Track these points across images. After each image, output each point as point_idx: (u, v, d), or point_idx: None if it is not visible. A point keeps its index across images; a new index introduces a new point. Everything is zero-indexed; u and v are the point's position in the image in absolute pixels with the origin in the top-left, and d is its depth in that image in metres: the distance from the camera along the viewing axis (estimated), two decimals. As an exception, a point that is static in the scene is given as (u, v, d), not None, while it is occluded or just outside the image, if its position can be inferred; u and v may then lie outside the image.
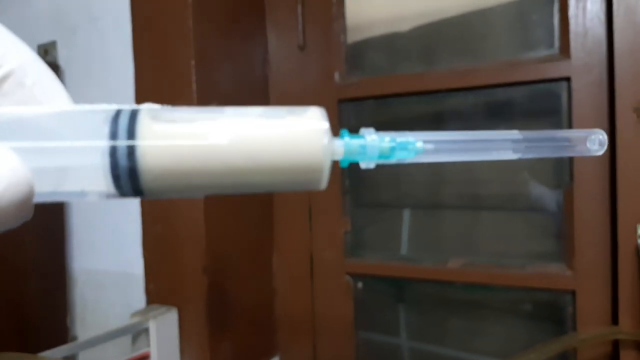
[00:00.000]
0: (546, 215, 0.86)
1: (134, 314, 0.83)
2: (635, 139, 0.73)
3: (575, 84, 0.79)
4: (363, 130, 0.23)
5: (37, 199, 0.18)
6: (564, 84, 0.82)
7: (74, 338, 1.00)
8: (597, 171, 0.78)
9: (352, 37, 0.99)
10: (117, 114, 0.19)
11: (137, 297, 0.91)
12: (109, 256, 0.97)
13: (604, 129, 0.75)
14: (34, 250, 0.96)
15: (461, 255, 0.91)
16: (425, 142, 0.23)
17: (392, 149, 0.23)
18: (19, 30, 0.24)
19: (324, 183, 0.21)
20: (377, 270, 0.98)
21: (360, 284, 1.00)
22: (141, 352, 0.80)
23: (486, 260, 0.90)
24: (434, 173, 0.96)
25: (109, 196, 0.20)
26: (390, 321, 1.00)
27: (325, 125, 0.21)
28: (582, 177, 0.79)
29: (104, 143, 0.19)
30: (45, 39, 0.99)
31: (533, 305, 0.88)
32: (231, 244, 0.92)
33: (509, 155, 0.24)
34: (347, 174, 0.99)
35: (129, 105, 0.20)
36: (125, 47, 0.91)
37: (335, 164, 0.22)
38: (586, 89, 0.78)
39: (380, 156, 0.23)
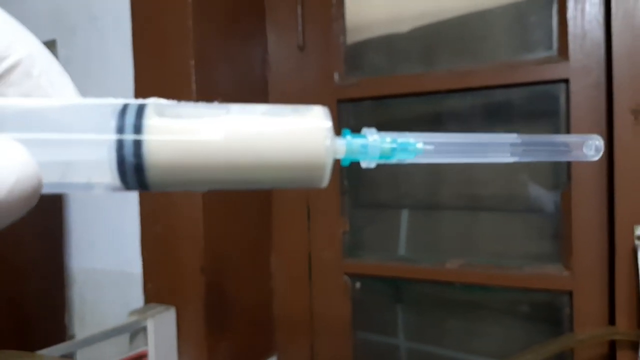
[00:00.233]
0: (544, 216, 0.87)
1: (132, 313, 0.83)
2: (633, 140, 0.73)
3: (573, 86, 0.79)
4: (365, 130, 0.24)
5: (44, 190, 0.18)
6: (562, 86, 0.82)
7: (72, 337, 1.00)
8: (594, 172, 0.79)
9: (352, 37, 0.99)
10: (124, 108, 0.20)
11: (136, 296, 0.91)
12: (107, 255, 0.97)
13: (601, 131, 0.77)
14: (33, 249, 0.96)
15: (459, 255, 0.91)
16: (425, 143, 0.24)
17: (393, 150, 0.23)
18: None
19: (325, 181, 0.22)
20: (375, 271, 0.98)
21: (358, 284, 1.00)
22: (139, 351, 0.80)
23: (484, 261, 0.90)
24: (433, 173, 0.96)
25: (114, 189, 0.20)
26: (388, 321, 1.00)
27: (329, 124, 0.21)
28: (580, 179, 0.80)
29: (111, 137, 0.19)
30: (44, 38, 0.99)
31: (531, 306, 0.89)
32: (230, 243, 0.92)
33: (507, 158, 0.25)
34: (345, 174, 1.00)
35: (135, 100, 0.20)
36: (124, 46, 0.91)
37: (336, 163, 0.22)
38: (584, 91, 0.79)
39: (381, 156, 0.23)
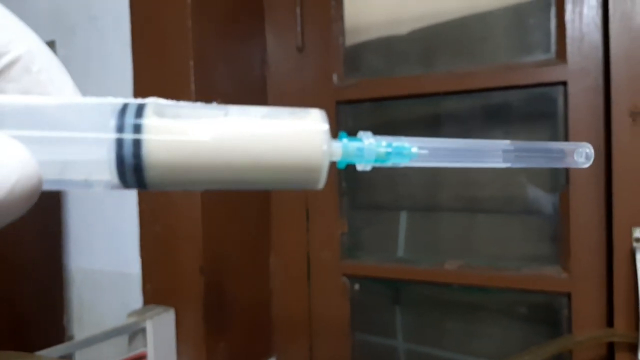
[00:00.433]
0: (542, 218, 0.87)
1: (131, 314, 0.83)
2: (631, 143, 0.73)
3: (571, 88, 0.79)
4: (361, 134, 0.24)
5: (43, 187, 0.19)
6: (560, 88, 0.82)
7: (71, 338, 1.00)
8: (593, 175, 0.79)
9: (351, 39, 0.99)
10: (124, 107, 0.20)
11: (134, 297, 0.91)
12: (106, 256, 0.97)
13: (599, 133, 0.77)
14: (31, 249, 0.96)
15: (458, 257, 0.92)
16: (420, 147, 0.24)
17: (388, 153, 0.24)
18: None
19: (322, 183, 0.22)
20: (373, 272, 0.98)
21: (357, 286, 1.00)
22: (138, 352, 0.80)
23: (483, 263, 0.90)
24: (431, 175, 0.96)
25: (113, 187, 0.20)
26: (386, 323, 1.00)
27: (326, 126, 0.22)
28: (578, 181, 0.80)
29: (111, 136, 0.19)
30: (44, 38, 0.98)
31: (529, 308, 0.89)
32: (229, 244, 0.92)
33: (499, 163, 0.25)
34: (344, 176, 1.00)
35: (135, 99, 0.21)
36: (124, 47, 0.91)
37: (332, 165, 0.23)
38: (582, 93, 0.79)
39: (377, 159, 0.24)
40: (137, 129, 0.19)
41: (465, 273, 0.89)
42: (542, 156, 0.26)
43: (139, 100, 0.20)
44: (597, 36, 0.78)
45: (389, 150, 0.24)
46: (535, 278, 0.84)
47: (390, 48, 0.98)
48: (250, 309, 0.98)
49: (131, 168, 0.19)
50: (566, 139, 0.81)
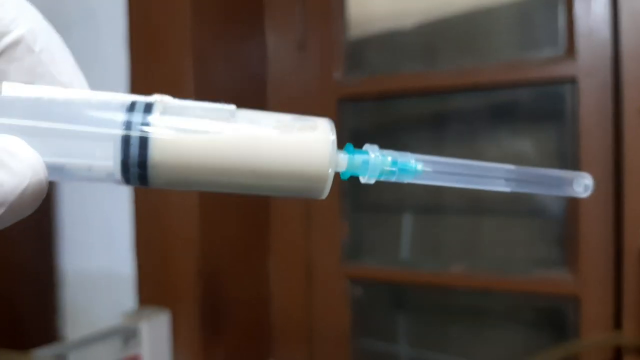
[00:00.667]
0: (549, 219, 0.85)
1: (126, 316, 0.82)
2: (642, 141, 0.72)
3: (580, 85, 0.78)
4: (367, 147, 0.24)
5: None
6: (569, 85, 0.80)
7: (64, 338, 0.98)
8: (602, 175, 0.77)
9: (353, 35, 0.97)
10: (132, 104, 0.20)
11: (129, 298, 0.90)
12: (100, 256, 0.96)
13: (609, 131, 0.75)
14: (24, 249, 0.95)
15: (463, 260, 0.90)
16: (425, 165, 0.24)
17: (393, 169, 0.24)
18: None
19: (325, 193, 0.22)
20: (376, 275, 0.96)
21: (358, 289, 0.98)
22: (132, 354, 0.79)
23: (488, 266, 0.88)
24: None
25: (113, 181, 0.21)
26: (389, 327, 0.99)
27: (333, 137, 0.22)
28: (587, 181, 0.78)
29: (118, 131, 0.20)
30: (41, 34, 0.97)
31: (536, 311, 0.87)
32: (226, 246, 0.90)
33: (502, 187, 0.26)
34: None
35: (143, 97, 0.21)
36: (121, 45, 0.89)
37: (335, 175, 0.23)
38: (592, 89, 0.77)
39: (381, 174, 0.24)
40: (145, 126, 0.20)
41: (471, 276, 0.87)
42: (542, 183, 0.27)
43: (147, 98, 0.21)
44: (606, 32, 0.76)
45: (394, 167, 0.24)
46: (542, 281, 0.82)
47: (394, 44, 0.96)
48: (248, 312, 0.96)
49: (135, 165, 0.20)
50: (575, 137, 0.79)
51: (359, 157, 0.23)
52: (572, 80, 0.79)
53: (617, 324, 0.75)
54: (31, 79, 0.21)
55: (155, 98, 0.21)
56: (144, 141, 0.20)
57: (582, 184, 0.27)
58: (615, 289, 0.76)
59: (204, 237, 0.85)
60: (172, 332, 0.85)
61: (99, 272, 0.96)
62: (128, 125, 0.20)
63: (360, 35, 0.98)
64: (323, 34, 0.96)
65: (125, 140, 0.20)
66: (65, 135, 0.19)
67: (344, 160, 0.23)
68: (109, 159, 0.20)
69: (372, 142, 0.25)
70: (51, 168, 0.19)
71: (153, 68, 0.86)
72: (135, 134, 0.20)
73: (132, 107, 0.20)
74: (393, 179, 0.24)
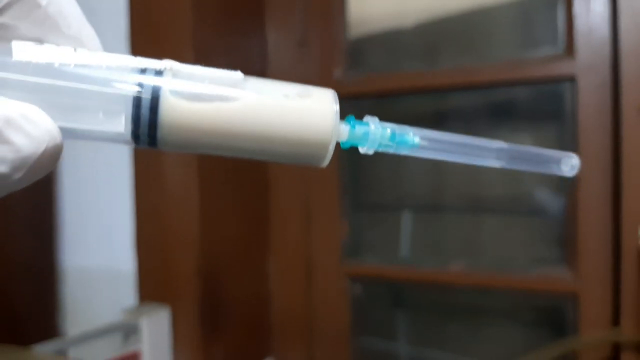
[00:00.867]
0: (549, 217, 0.85)
1: (126, 312, 0.82)
2: (641, 139, 0.72)
3: (580, 83, 0.78)
4: (368, 118, 0.25)
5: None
6: (568, 83, 0.81)
7: (64, 335, 0.98)
8: (601, 173, 0.77)
9: (353, 33, 0.98)
10: (144, 69, 0.21)
11: (129, 295, 0.90)
12: (100, 253, 0.95)
13: (608, 129, 0.75)
14: (25, 246, 0.95)
15: (462, 258, 0.90)
16: (421, 138, 0.25)
17: (392, 140, 0.25)
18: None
19: (327, 161, 0.23)
20: (376, 273, 0.96)
21: (358, 288, 0.98)
22: (132, 350, 0.79)
23: (488, 264, 0.88)
24: (435, 175, 0.95)
25: (123, 142, 0.21)
26: (388, 326, 0.99)
27: (336, 107, 0.23)
28: (586, 179, 0.78)
29: (130, 90, 0.20)
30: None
31: (536, 309, 0.87)
32: (226, 243, 0.90)
33: (493, 163, 0.27)
34: (346, 175, 0.98)
35: (154, 60, 0.21)
36: (121, 40, 0.89)
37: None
38: (591, 88, 0.77)
39: (380, 145, 0.25)
40: (156, 87, 0.20)
41: (470, 274, 0.87)
42: (532, 160, 0.28)
43: (158, 63, 0.21)
44: (605, 30, 0.76)
45: (393, 137, 0.25)
46: (541, 279, 0.82)
47: (394, 42, 0.96)
48: (248, 310, 0.96)
49: (146, 125, 0.20)
50: (574, 136, 0.79)
51: (360, 128, 0.24)
52: (571, 79, 0.79)
53: (616, 321, 0.76)
54: (39, 33, 0.21)
55: (165, 63, 0.21)
56: (155, 102, 0.20)
57: (569, 164, 0.28)
58: (613, 287, 0.76)
59: (204, 235, 0.85)
60: (172, 328, 0.85)
61: (99, 269, 0.96)
62: (140, 86, 0.20)
63: (361, 34, 0.98)
64: (323, 32, 0.96)
65: (137, 101, 0.20)
66: (77, 95, 0.20)
67: (345, 131, 0.24)
68: (120, 119, 0.20)
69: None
70: (64, 129, 0.20)
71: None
72: (146, 95, 0.20)
73: (143, 71, 0.21)
74: (391, 150, 0.25)
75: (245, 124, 0.21)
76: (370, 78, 0.95)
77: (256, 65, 0.98)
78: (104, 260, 0.95)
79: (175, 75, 0.21)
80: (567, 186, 0.82)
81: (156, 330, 0.81)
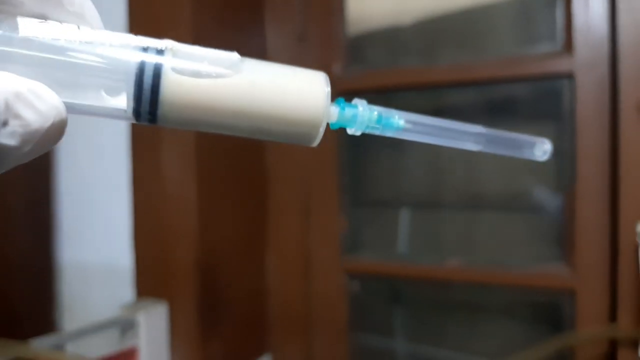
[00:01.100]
0: (546, 214, 0.85)
1: (124, 307, 0.81)
2: (638, 137, 0.72)
3: (578, 80, 0.78)
4: (356, 100, 0.26)
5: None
6: (566, 80, 0.81)
7: (62, 331, 0.98)
8: (599, 170, 0.77)
9: (353, 29, 0.97)
10: (145, 47, 0.22)
11: (127, 290, 0.90)
12: (98, 248, 0.95)
13: (606, 126, 0.75)
14: (22, 241, 0.94)
15: (460, 254, 0.90)
16: (406, 121, 0.27)
17: (379, 122, 0.26)
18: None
19: (317, 140, 0.24)
20: (374, 269, 0.96)
21: (356, 284, 0.98)
22: (130, 345, 0.78)
23: (486, 260, 0.88)
24: (434, 171, 0.95)
25: (126, 118, 0.22)
26: (386, 321, 0.99)
27: (327, 89, 0.24)
28: (584, 176, 0.78)
29: (132, 69, 0.21)
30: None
31: (533, 305, 0.87)
32: (224, 239, 0.90)
33: (472, 146, 0.28)
34: (344, 170, 0.98)
35: (155, 40, 0.22)
36: (120, 32, 0.89)
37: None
38: (589, 85, 0.78)
39: (367, 127, 0.26)
40: (157, 65, 0.21)
41: (468, 271, 0.87)
42: (508, 145, 0.29)
43: (159, 42, 0.22)
44: (604, 28, 0.76)
45: (380, 119, 0.26)
46: (538, 275, 0.82)
47: (394, 39, 0.96)
48: (246, 305, 0.96)
49: (147, 100, 0.21)
50: (572, 133, 0.79)
51: (349, 111, 0.26)
52: (570, 76, 0.79)
53: (613, 317, 0.76)
54: (43, 10, 0.22)
55: (166, 42, 0.22)
56: (156, 79, 0.21)
57: (542, 149, 0.29)
58: (610, 283, 0.77)
59: (202, 231, 0.85)
60: (169, 324, 0.84)
61: (96, 265, 0.95)
62: (142, 63, 0.21)
63: (360, 31, 0.98)
64: (323, 27, 0.96)
65: (139, 78, 0.21)
66: (81, 71, 0.21)
67: (335, 112, 0.25)
68: (123, 96, 0.21)
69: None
70: (67, 104, 0.21)
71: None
72: (148, 72, 0.21)
73: (145, 49, 0.22)
74: (377, 132, 0.26)
75: (241, 102, 0.22)
76: (369, 74, 0.95)
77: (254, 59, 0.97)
78: (101, 255, 0.95)
79: (175, 54, 0.22)
80: (565, 183, 0.82)
81: (154, 326, 0.81)
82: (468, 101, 0.91)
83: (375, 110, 0.26)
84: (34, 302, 0.95)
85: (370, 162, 0.99)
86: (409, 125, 0.27)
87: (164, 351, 0.83)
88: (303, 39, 0.97)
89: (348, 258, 0.97)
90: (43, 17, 0.22)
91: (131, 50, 0.21)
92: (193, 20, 0.83)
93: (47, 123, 0.19)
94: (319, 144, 0.25)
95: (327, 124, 0.25)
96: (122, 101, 0.21)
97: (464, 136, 0.28)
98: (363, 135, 0.27)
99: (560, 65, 0.79)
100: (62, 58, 0.20)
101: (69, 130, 0.21)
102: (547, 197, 0.85)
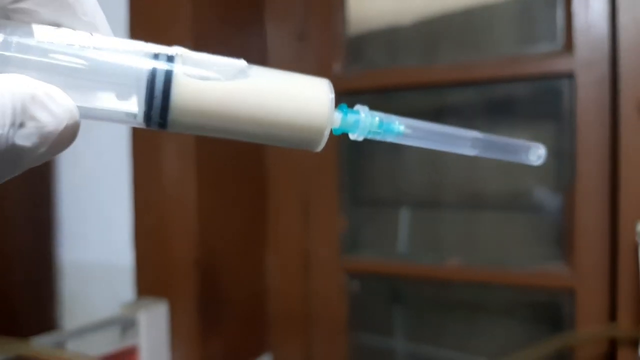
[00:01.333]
0: (546, 213, 0.85)
1: (124, 306, 0.82)
2: (638, 137, 0.72)
3: (578, 80, 0.78)
4: (358, 107, 0.27)
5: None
6: (567, 79, 0.81)
7: (62, 329, 0.98)
8: (598, 169, 0.77)
9: (353, 28, 0.97)
10: (156, 54, 0.22)
11: (127, 289, 0.90)
12: (98, 247, 0.95)
13: (607, 126, 0.76)
14: (23, 240, 0.94)
15: (460, 254, 0.90)
16: (406, 127, 0.27)
17: (380, 128, 0.27)
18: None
19: (321, 145, 0.25)
20: (374, 268, 0.96)
21: (356, 283, 0.98)
22: (130, 343, 0.79)
23: (485, 259, 0.88)
24: (433, 171, 0.95)
25: (137, 124, 0.23)
26: (386, 321, 0.99)
27: (332, 95, 0.25)
28: (584, 176, 0.78)
29: (145, 73, 0.22)
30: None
31: (533, 304, 0.87)
32: (224, 238, 0.90)
33: (469, 151, 0.29)
34: (344, 169, 0.98)
35: (164, 47, 0.23)
36: (120, 33, 0.89)
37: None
38: (589, 84, 0.78)
39: (369, 132, 0.27)
40: (169, 70, 0.22)
41: (468, 270, 0.87)
42: (504, 149, 0.30)
43: (169, 49, 0.23)
44: (604, 27, 0.76)
45: (381, 125, 0.27)
46: (538, 274, 0.82)
47: (394, 38, 0.96)
48: (246, 304, 0.96)
49: (159, 105, 0.22)
50: (573, 132, 0.79)
51: (351, 116, 0.26)
52: (570, 75, 0.79)
53: (612, 316, 0.76)
54: (57, 18, 0.22)
55: (175, 49, 0.23)
56: (167, 85, 0.22)
57: (536, 154, 0.30)
58: (610, 283, 0.77)
59: (202, 229, 0.85)
60: (170, 322, 0.85)
61: (97, 263, 0.95)
62: (154, 69, 0.22)
63: (360, 30, 0.98)
64: (323, 26, 0.96)
65: (151, 83, 0.22)
66: (94, 77, 0.21)
67: (338, 118, 0.26)
68: (134, 100, 0.22)
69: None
70: (80, 108, 0.21)
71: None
72: (160, 77, 0.22)
73: (155, 56, 0.22)
74: (379, 137, 0.27)
75: (249, 108, 0.23)
76: (369, 73, 0.95)
77: (255, 59, 0.97)
78: (102, 254, 0.95)
79: (185, 61, 0.22)
80: (564, 183, 0.82)
81: (154, 324, 0.81)
82: (468, 101, 0.91)
83: (377, 116, 0.27)
84: (35, 300, 0.96)
85: (370, 161, 0.99)
86: (408, 131, 0.28)
87: (164, 350, 0.83)
88: (303, 38, 0.97)
89: (348, 257, 0.97)
90: (57, 25, 0.22)
91: (142, 56, 0.22)
92: (194, 19, 0.83)
93: (61, 125, 0.20)
94: (320, 145, 0.26)
95: (330, 130, 0.25)
96: (134, 106, 0.22)
97: (461, 141, 0.29)
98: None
99: (561, 64, 0.79)
100: (75, 64, 0.21)
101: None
102: (547, 197, 0.85)
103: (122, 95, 0.22)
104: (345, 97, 0.96)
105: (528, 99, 0.88)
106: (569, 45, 0.79)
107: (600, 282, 0.78)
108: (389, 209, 0.99)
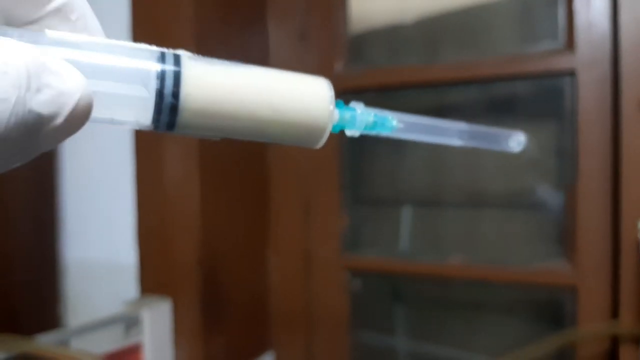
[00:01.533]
0: (548, 211, 0.86)
1: (127, 304, 0.82)
2: (640, 134, 0.72)
3: (580, 78, 0.78)
4: (354, 104, 0.28)
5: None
6: (568, 78, 0.81)
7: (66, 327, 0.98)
8: (600, 167, 0.78)
9: (355, 27, 0.97)
10: (162, 54, 0.22)
11: (130, 287, 0.90)
12: (101, 246, 0.96)
13: (608, 124, 0.76)
14: (26, 238, 0.95)
15: (461, 252, 0.90)
16: (399, 121, 0.29)
17: (375, 123, 0.28)
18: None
19: (322, 142, 0.26)
20: (375, 267, 0.96)
21: (357, 281, 0.99)
22: (134, 341, 0.79)
23: (487, 257, 0.89)
24: (434, 169, 0.95)
25: (146, 127, 0.23)
26: (387, 319, 0.99)
27: (332, 93, 0.25)
28: (586, 173, 0.78)
29: (153, 75, 0.22)
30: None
31: (535, 302, 0.87)
32: (226, 236, 0.91)
33: (457, 142, 0.31)
34: (345, 168, 0.98)
35: (170, 50, 0.23)
36: (122, 32, 0.89)
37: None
38: (591, 83, 0.78)
39: (365, 128, 0.28)
40: (177, 72, 0.22)
41: (469, 268, 0.87)
42: (488, 139, 0.32)
43: (175, 51, 0.23)
44: (605, 25, 0.76)
45: (376, 120, 0.28)
46: (540, 272, 0.82)
47: (395, 37, 0.96)
48: (248, 302, 0.97)
49: (168, 107, 0.22)
50: (574, 130, 0.79)
51: (348, 113, 0.27)
52: (571, 74, 0.79)
53: (614, 313, 0.76)
54: (44, 20, 0.22)
55: (181, 52, 0.23)
56: (176, 86, 0.22)
57: (516, 140, 0.32)
58: (612, 280, 0.77)
59: (205, 228, 0.85)
60: (173, 320, 0.85)
61: (100, 261, 0.96)
62: (162, 72, 0.22)
63: (362, 29, 0.98)
64: (324, 25, 0.96)
65: (160, 85, 0.22)
66: (100, 78, 0.21)
67: (336, 115, 0.27)
68: (144, 102, 0.22)
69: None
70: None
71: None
72: (168, 79, 0.22)
73: (162, 58, 0.22)
74: (374, 132, 0.28)
75: (253, 107, 0.23)
76: (370, 72, 0.95)
77: (257, 58, 0.98)
78: (105, 252, 0.95)
79: (193, 59, 0.23)
80: (566, 180, 0.82)
81: (157, 322, 0.82)
82: (470, 99, 0.92)
83: (372, 112, 0.28)
84: (38, 298, 0.96)
85: (371, 159, 0.99)
86: (401, 125, 0.29)
87: (167, 347, 0.84)
88: (305, 37, 0.98)
89: (349, 256, 0.97)
90: (39, 24, 0.22)
91: (149, 58, 0.22)
92: (195, 18, 0.83)
93: (76, 95, 0.19)
94: (320, 143, 0.26)
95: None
96: (142, 109, 0.22)
97: (448, 133, 0.31)
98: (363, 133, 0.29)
99: (562, 63, 0.79)
100: (84, 62, 0.21)
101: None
102: (548, 195, 0.85)
103: (132, 97, 0.22)
104: (346, 96, 0.96)
105: (529, 98, 0.88)
106: (570, 43, 0.79)
107: (602, 280, 0.78)
108: (390, 208, 0.99)
